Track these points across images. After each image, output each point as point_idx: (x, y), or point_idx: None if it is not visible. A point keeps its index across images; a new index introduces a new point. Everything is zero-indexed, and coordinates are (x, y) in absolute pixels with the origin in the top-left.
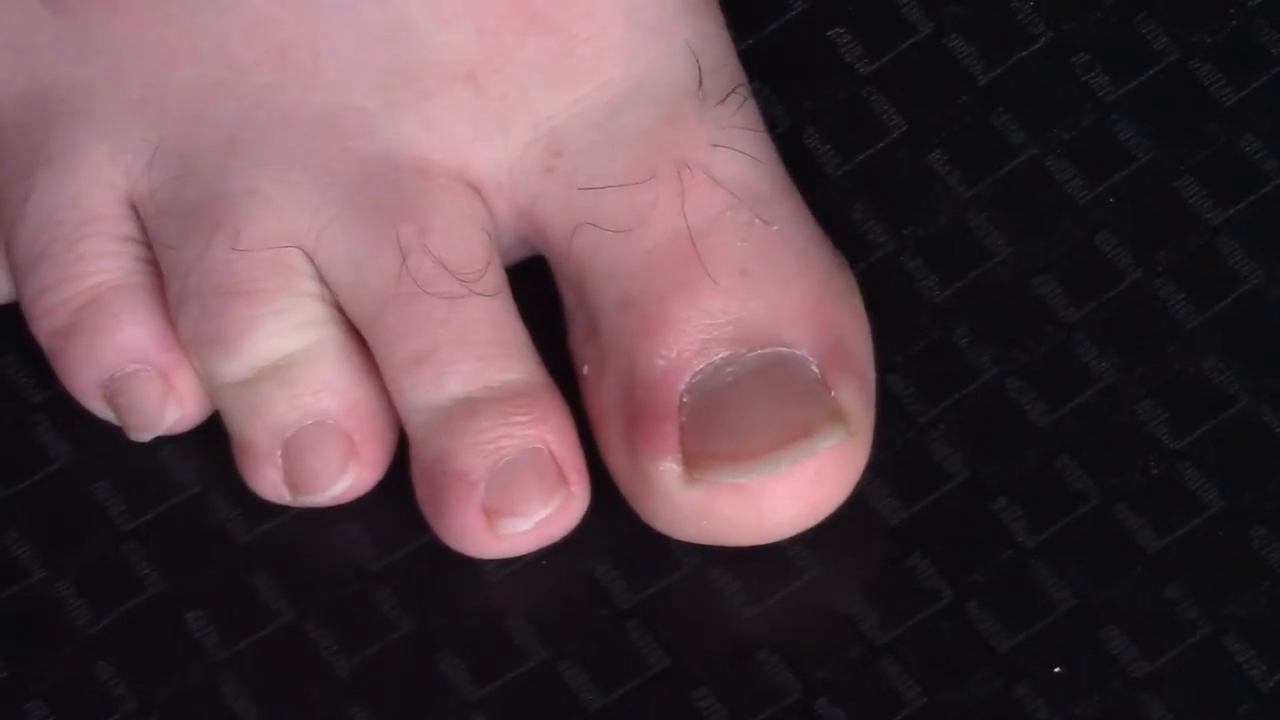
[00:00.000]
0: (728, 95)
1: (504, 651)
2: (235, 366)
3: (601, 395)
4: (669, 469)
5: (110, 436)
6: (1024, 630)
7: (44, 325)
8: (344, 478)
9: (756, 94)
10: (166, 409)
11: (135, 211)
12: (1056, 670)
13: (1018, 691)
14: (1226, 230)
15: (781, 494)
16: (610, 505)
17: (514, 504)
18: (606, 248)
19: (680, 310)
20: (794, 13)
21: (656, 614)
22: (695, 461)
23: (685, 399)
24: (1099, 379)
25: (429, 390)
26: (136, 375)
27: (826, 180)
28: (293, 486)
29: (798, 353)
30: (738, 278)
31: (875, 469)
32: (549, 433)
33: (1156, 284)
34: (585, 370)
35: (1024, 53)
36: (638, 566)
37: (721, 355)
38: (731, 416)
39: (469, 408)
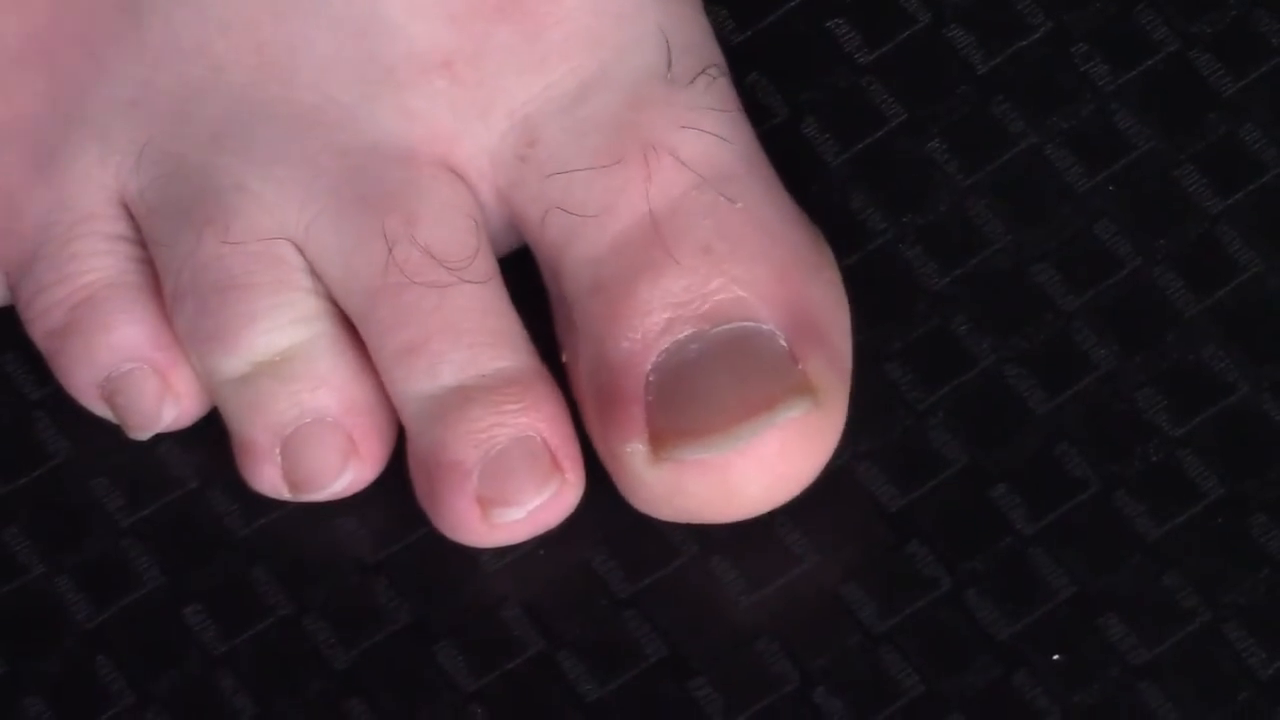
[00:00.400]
0: (696, 76)
1: (501, 642)
2: (233, 362)
3: (579, 380)
4: (636, 450)
5: (109, 433)
6: (1023, 618)
7: (40, 326)
8: (344, 475)
9: (755, 84)
10: (164, 407)
11: (127, 211)
12: (1055, 658)
13: (1016, 679)
14: (1226, 219)
15: (747, 469)
16: (606, 494)
17: (507, 493)
18: (577, 233)
19: (644, 291)
20: (793, 3)
21: (654, 603)
22: (660, 440)
23: (651, 378)
24: (1097, 366)
25: (422, 380)
26: (133, 374)
27: (825, 169)
28: (292, 484)
29: (764, 327)
30: (701, 256)
31: (873, 456)
32: (541, 421)
33: (1155, 272)
34: (565, 357)
35: (1023, 42)
36: (635, 556)
37: (686, 333)
38: (695, 392)
39: (461, 396)
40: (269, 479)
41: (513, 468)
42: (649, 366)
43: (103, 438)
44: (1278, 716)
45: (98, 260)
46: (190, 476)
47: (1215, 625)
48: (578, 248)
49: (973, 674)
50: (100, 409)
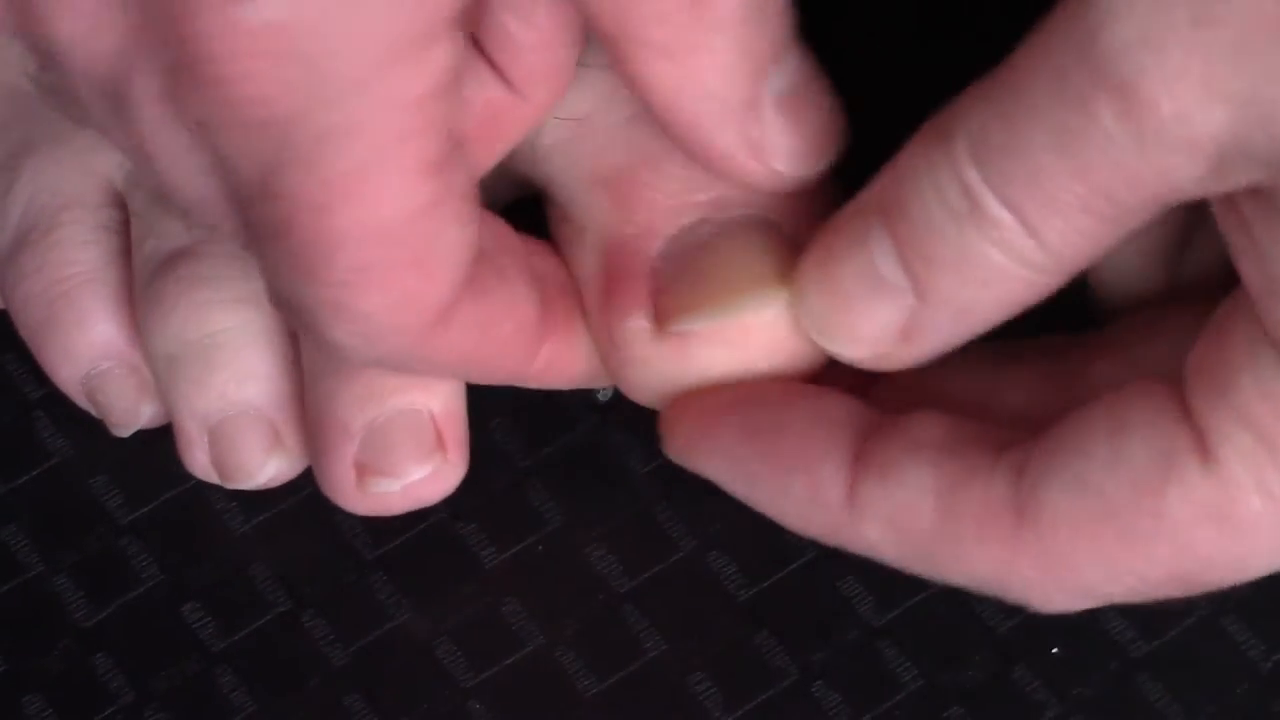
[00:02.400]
0: None
1: (500, 638)
2: (165, 335)
3: (583, 276)
4: (639, 325)
5: (108, 431)
6: (1022, 611)
7: (22, 319)
8: (267, 467)
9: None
10: (142, 405)
11: (117, 199)
12: (1055, 651)
13: (1016, 673)
14: None
15: (760, 340)
16: (605, 490)
17: (385, 463)
18: (570, 134)
19: (648, 178)
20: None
21: (653, 598)
22: (666, 313)
23: (658, 263)
24: None
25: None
26: (111, 372)
27: None
28: (219, 473)
29: (770, 216)
30: None
31: None
32: (434, 398)
33: None
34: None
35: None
36: (634, 551)
37: (694, 219)
38: (704, 270)
39: None
40: (201, 465)
41: (395, 439)
42: (655, 251)
43: (101, 436)
44: (1276, 709)
45: (80, 252)
46: (188, 474)
47: (1215, 618)
48: (574, 146)
49: (972, 667)
50: (87, 404)
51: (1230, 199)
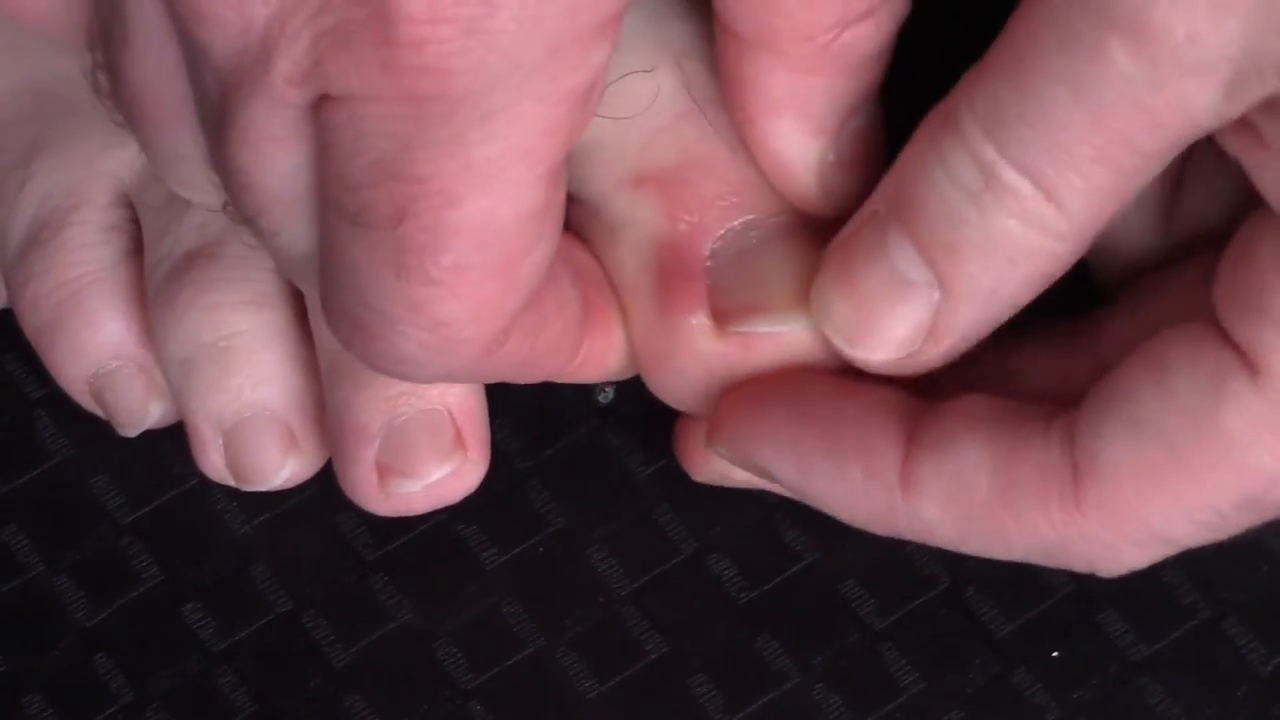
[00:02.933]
0: None
1: (501, 639)
2: (179, 337)
3: (619, 269)
4: (701, 322)
5: (108, 432)
6: (1022, 615)
7: (29, 320)
8: (283, 470)
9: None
10: (150, 404)
11: (126, 200)
12: (1055, 654)
13: (1016, 676)
14: None
15: (818, 349)
16: (606, 492)
17: (406, 464)
18: (610, 134)
19: (697, 178)
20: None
21: (654, 600)
22: (725, 316)
23: (709, 264)
24: None
25: None
26: (119, 372)
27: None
28: (235, 475)
29: (811, 222)
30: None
31: None
32: (452, 397)
33: None
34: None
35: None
36: (635, 553)
37: (743, 219)
38: (759, 273)
39: None
40: (215, 467)
41: (415, 439)
42: (707, 251)
43: (102, 436)
44: (1277, 712)
45: (88, 253)
46: (189, 474)
47: (1215, 621)
48: (611, 146)
49: (972, 671)
50: (92, 405)
51: (1243, 121)
